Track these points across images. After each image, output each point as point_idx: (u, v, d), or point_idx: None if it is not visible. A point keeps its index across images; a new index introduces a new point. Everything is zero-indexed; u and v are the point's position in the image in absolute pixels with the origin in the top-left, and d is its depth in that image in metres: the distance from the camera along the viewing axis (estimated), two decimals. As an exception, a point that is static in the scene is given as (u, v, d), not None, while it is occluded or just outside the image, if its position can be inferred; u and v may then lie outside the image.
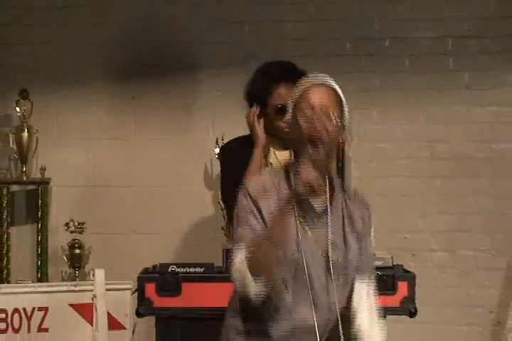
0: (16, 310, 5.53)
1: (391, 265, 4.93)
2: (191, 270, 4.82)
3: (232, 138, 5.23)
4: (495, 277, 6.23)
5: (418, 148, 6.36)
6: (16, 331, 5.46)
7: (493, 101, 6.29)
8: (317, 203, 3.73)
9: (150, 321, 4.98)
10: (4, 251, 6.45)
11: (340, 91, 3.78)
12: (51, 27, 6.61)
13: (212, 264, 4.83)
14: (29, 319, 5.52)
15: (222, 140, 5.86)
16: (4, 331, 5.41)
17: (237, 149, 5.16)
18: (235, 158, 5.08)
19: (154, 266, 5.03)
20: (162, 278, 4.93)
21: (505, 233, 6.23)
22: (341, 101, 3.79)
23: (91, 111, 6.60)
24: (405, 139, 6.36)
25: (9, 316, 5.49)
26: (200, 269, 4.86)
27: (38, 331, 5.50)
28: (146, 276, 5.00)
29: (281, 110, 5.04)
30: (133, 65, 6.61)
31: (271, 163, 5.14)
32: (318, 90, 3.76)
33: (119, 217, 6.49)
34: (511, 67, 6.33)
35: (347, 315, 3.73)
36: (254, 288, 3.65)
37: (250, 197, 3.76)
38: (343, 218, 3.79)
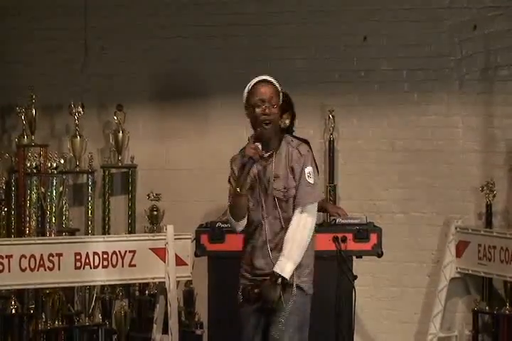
0: (114, 252, 5.78)
1: (365, 222, 5.16)
2: (231, 225, 4.78)
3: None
4: (434, 230, 6.46)
5: (383, 144, 6.57)
6: (114, 266, 5.79)
7: (432, 113, 6.53)
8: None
9: (203, 260, 5.26)
10: (106, 213, 6.69)
11: (276, 83, 4.01)
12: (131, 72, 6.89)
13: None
14: (123, 258, 5.79)
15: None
16: (106, 266, 5.77)
17: None
18: None
19: (207, 223, 5.27)
20: (212, 231, 5.15)
21: (441, 201, 6.49)
22: (277, 89, 4.00)
23: (164, 119, 6.85)
24: (375, 138, 6.59)
25: (109, 256, 5.78)
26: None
27: (129, 266, 5.79)
28: (201, 229, 5.24)
29: None
30: (171, 92, 6.84)
31: None
32: (262, 85, 3.97)
33: (183, 189, 6.68)
34: (445, 89, 6.47)
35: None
36: (235, 224, 4.03)
37: (232, 167, 4.07)
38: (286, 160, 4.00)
